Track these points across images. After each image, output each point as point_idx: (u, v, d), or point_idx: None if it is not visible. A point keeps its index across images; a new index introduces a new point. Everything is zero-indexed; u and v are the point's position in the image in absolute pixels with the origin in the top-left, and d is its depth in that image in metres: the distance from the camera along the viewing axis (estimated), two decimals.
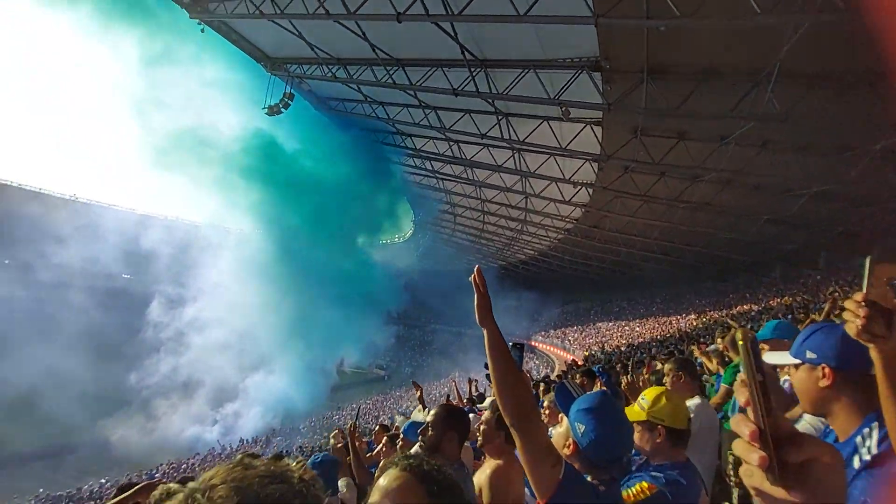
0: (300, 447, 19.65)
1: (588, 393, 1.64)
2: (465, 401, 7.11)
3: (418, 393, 5.22)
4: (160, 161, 26.01)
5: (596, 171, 16.45)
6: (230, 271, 26.71)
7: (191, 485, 0.59)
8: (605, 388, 3.15)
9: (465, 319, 45.78)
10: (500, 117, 15.63)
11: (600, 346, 28.39)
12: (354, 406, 27.54)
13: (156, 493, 2.19)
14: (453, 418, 2.18)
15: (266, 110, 21.47)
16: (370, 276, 29.77)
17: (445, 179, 26.35)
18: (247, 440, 22.84)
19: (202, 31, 18.25)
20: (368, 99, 20.12)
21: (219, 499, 0.54)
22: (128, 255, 29.36)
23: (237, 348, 26.17)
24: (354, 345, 30.15)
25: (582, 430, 1.44)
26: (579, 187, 17.95)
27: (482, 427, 2.33)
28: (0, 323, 24.06)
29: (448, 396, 10.83)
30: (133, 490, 2.64)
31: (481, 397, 7.12)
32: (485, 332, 1.35)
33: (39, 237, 29.80)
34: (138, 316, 28.02)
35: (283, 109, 21.14)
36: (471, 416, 3.22)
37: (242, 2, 14.94)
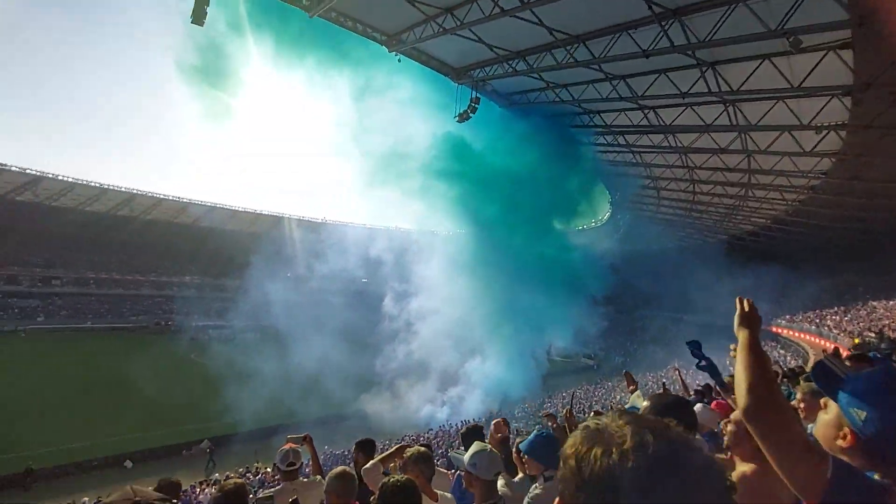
0: (517, 430, 20.70)
1: (866, 370, 1.25)
2: (691, 392, 6.51)
3: (631, 388, 4.79)
4: (376, 180, 30.67)
5: (849, 107, 12.82)
6: (442, 267, 29.89)
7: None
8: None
9: (683, 304, 41.34)
10: (703, 69, 13.64)
11: (877, 330, 21.98)
12: (565, 394, 27.71)
13: (409, 451, 2.77)
14: (675, 409, 1.95)
15: (457, 118, 23.22)
16: (571, 261, 29.53)
17: (643, 152, 24.24)
18: (472, 422, 25.23)
19: (399, 60, 20.81)
20: (550, 84, 19.96)
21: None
22: (364, 263, 35.40)
23: (455, 336, 29.09)
24: (562, 331, 30.34)
25: (863, 417, 1.12)
26: (825, 132, 14.29)
27: (730, 427, 2.09)
28: (289, 322, 32.08)
29: (664, 385, 9.99)
30: (394, 448, 3.34)
31: (709, 388, 6.37)
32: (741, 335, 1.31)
33: (306, 254, 38.76)
34: (376, 312, 33.75)
35: (471, 114, 22.54)
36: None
37: (428, 24, 16.53)
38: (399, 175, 28.90)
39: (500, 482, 2.33)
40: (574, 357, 39.31)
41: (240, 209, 56.00)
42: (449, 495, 2.83)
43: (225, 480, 3.03)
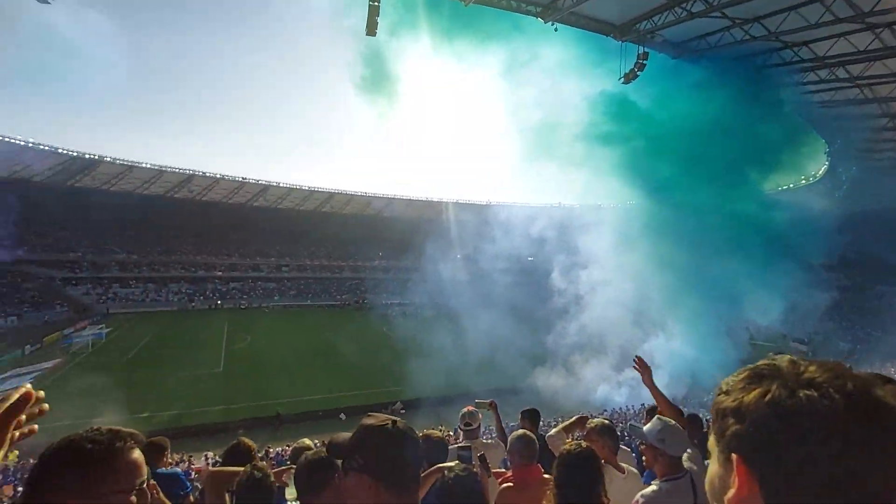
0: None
1: None
2: None
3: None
4: (537, 154, 30.42)
5: None
6: (613, 240, 28.36)
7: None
8: None
9: None
10: None
11: None
12: None
13: (592, 422, 2.90)
14: None
15: (622, 80, 21.57)
16: (775, 222, 24.80)
17: (876, 83, 19.09)
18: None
19: (555, 30, 20.20)
20: (737, 21, 17.12)
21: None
22: (530, 241, 35.70)
23: (634, 311, 27.45)
24: (765, 307, 25.69)
25: None
26: None
27: None
28: (462, 299, 34.46)
29: None
30: (576, 419, 3.44)
31: None
32: None
33: (474, 235, 40.90)
34: (544, 289, 33.89)
35: (638, 73, 20.72)
36: None
37: None
38: (560, 146, 28.27)
39: (684, 456, 2.29)
40: (781, 341, 33.32)
41: (414, 199, 62.04)
42: (635, 470, 2.79)
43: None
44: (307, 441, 3.52)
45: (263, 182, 54.85)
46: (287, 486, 2.33)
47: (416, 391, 22.91)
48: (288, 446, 13.06)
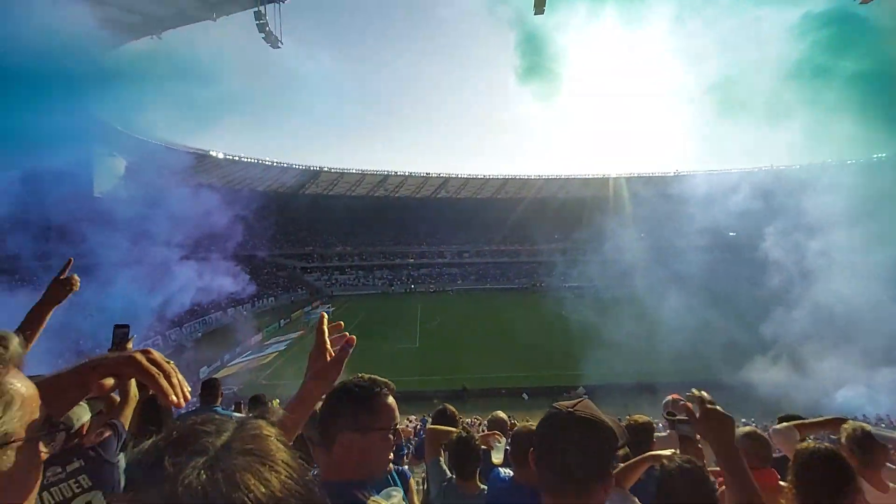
0: None
1: None
2: None
3: None
4: (735, 110, 25.84)
5: None
6: (852, 204, 22.48)
7: None
8: None
9: None
10: None
11: None
12: None
13: (848, 426, 2.43)
14: None
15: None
16: None
17: None
18: None
19: None
20: None
21: None
22: (730, 213, 30.89)
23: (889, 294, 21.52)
24: None
25: None
26: None
27: None
28: (649, 282, 31.88)
29: None
30: (829, 418, 2.80)
31: None
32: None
33: (659, 211, 37.19)
34: (752, 267, 28.97)
35: None
36: None
37: None
38: (759, 96, 23.58)
39: None
40: None
41: (590, 177, 59.32)
42: None
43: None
44: (501, 414, 3.92)
45: (444, 175, 59.46)
46: (493, 449, 2.45)
47: (598, 377, 22.33)
48: (477, 419, 14.28)
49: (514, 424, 4.26)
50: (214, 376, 4.93)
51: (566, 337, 29.16)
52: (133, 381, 0.73)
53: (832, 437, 2.60)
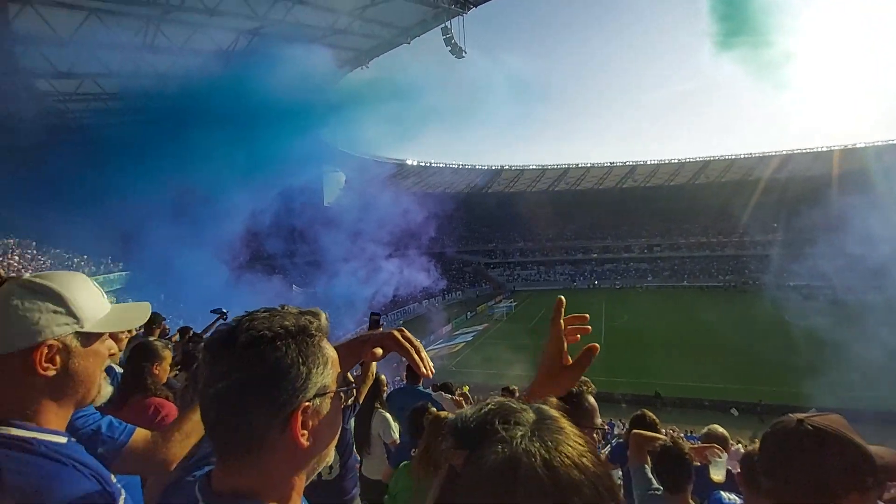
0: None
1: None
2: None
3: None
4: None
5: None
6: None
7: None
8: None
9: None
10: None
11: None
12: None
13: None
14: None
15: None
16: None
17: None
18: None
19: None
20: None
21: None
22: None
23: None
24: None
25: None
26: None
27: None
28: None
29: None
30: None
31: None
32: None
33: None
34: None
35: None
36: None
37: None
38: None
39: None
40: None
41: (823, 150, 47.82)
42: None
43: None
44: (720, 429, 3.67)
45: (630, 163, 55.45)
46: (710, 463, 2.20)
47: (833, 400, 18.23)
48: (673, 429, 13.30)
49: (740, 442, 3.99)
50: None
51: (789, 347, 24.35)
52: (373, 365, 1.20)
53: None
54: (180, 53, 23.74)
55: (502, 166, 57.06)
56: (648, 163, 55.04)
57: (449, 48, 33.20)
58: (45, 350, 0.83)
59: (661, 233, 57.22)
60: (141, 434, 1.22)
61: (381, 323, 1.87)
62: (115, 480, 0.89)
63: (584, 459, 0.45)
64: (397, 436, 3.71)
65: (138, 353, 2.19)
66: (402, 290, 38.52)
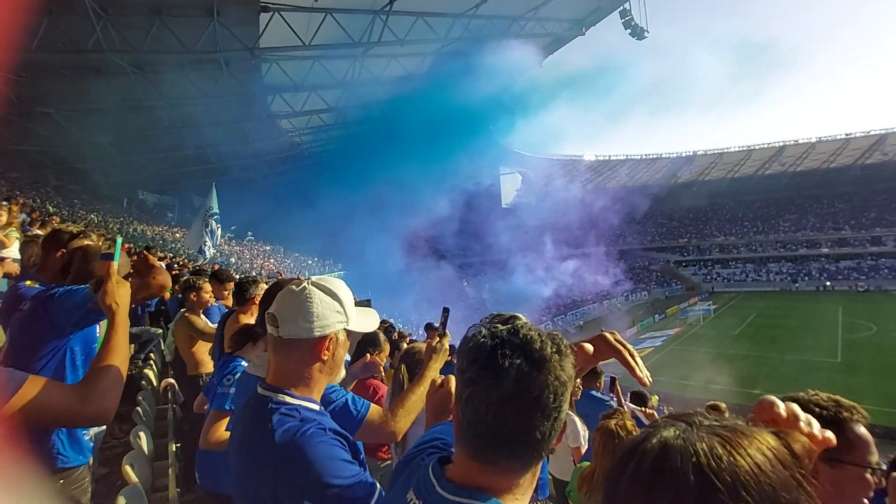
0: None
1: None
2: None
3: None
4: None
5: None
6: None
7: None
8: None
9: None
10: None
11: None
12: None
13: None
14: None
15: None
16: None
17: None
18: None
19: None
20: None
21: None
22: None
23: None
24: None
25: None
26: None
27: None
28: None
29: None
30: None
31: None
32: None
33: None
34: None
35: None
36: None
37: None
38: None
39: None
40: None
41: None
42: None
43: None
44: None
45: (876, 133, 43.44)
46: None
47: None
48: None
49: None
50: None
51: None
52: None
53: None
54: (378, 82, 27.80)
55: (696, 152, 50.80)
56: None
57: (629, 31, 31.31)
58: (328, 341, 1.09)
59: (887, 223, 43.45)
60: (375, 409, 1.47)
61: (446, 317, 1.74)
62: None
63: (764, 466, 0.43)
64: (584, 444, 3.59)
65: (364, 341, 2.68)
66: (579, 290, 37.70)
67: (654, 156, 51.20)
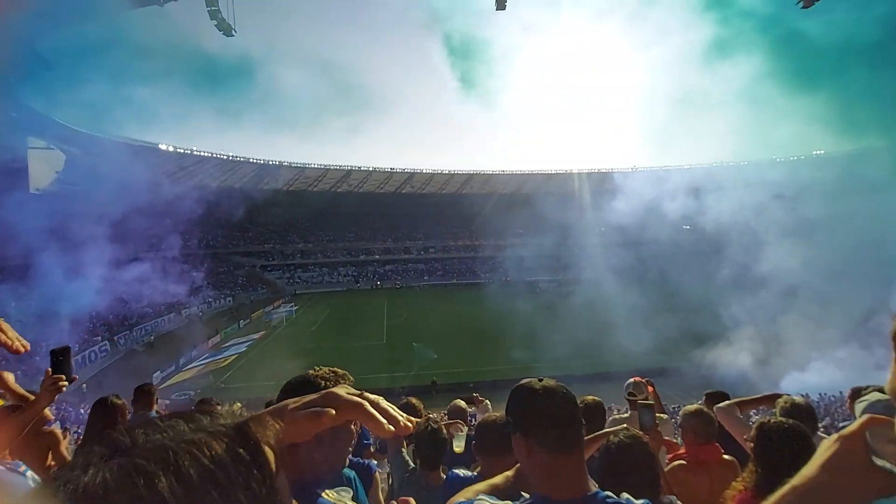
0: None
1: None
2: None
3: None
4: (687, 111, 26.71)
5: None
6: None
7: None
8: None
9: None
10: None
11: None
12: None
13: (784, 400, 2.57)
14: None
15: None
16: None
17: None
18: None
19: None
20: None
21: None
22: (682, 207, 31.87)
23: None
24: None
25: None
26: None
27: None
28: (607, 274, 32.51)
29: None
30: (765, 395, 2.98)
31: None
32: None
33: (618, 205, 38.25)
34: (707, 259, 30.14)
35: None
36: None
37: None
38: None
39: None
40: None
41: (554, 172, 60.27)
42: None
43: None
44: (461, 402, 3.96)
45: (409, 170, 58.68)
46: (454, 438, 2.45)
47: (555, 368, 22.38)
48: (444, 413, 14.00)
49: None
50: (147, 382, 4.31)
51: (529, 331, 29.15)
52: None
53: (770, 411, 2.71)
54: None
55: (281, 162, 53.12)
56: (424, 171, 59.30)
57: (215, 22, 28.94)
58: None
59: (435, 235, 62.57)
60: None
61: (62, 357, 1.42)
62: None
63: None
64: None
65: None
66: (151, 300, 31.61)
67: (242, 159, 50.09)
